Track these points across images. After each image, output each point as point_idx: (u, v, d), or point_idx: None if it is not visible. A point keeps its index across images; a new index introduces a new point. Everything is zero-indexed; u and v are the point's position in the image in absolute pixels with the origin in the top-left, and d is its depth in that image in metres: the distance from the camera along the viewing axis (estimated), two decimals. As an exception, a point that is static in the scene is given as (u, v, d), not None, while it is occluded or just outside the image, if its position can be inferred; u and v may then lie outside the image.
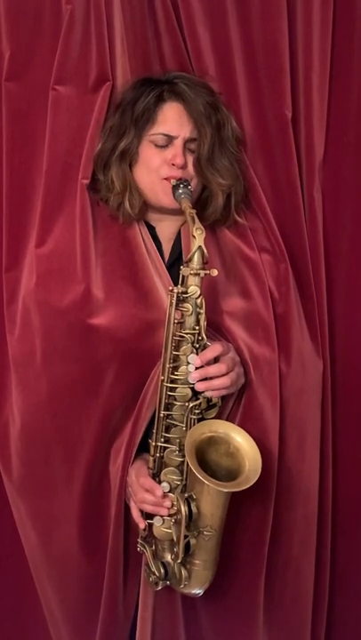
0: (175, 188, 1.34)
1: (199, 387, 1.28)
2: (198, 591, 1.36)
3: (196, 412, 1.31)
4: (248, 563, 1.48)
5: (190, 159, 1.38)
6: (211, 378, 1.29)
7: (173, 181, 1.35)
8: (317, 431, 1.55)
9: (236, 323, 1.43)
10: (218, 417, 1.35)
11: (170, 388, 1.31)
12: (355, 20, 1.50)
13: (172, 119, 1.37)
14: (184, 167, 1.37)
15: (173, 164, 1.36)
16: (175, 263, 1.47)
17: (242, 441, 1.29)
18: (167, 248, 1.49)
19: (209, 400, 1.32)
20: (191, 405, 1.30)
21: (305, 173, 1.53)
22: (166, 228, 1.48)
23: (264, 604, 1.52)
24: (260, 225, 1.49)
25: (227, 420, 1.39)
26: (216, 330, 1.42)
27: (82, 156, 1.43)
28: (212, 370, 1.29)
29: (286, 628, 1.58)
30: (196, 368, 1.29)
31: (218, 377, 1.29)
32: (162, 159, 1.37)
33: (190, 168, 1.39)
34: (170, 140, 1.37)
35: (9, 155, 1.47)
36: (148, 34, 1.46)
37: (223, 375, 1.30)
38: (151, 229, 1.47)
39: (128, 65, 1.44)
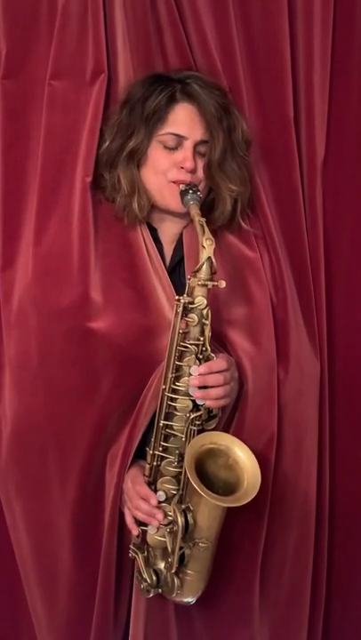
0: (184, 193, 1.31)
1: (197, 395, 1.27)
2: (191, 600, 1.36)
3: (197, 423, 1.30)
4: (242, 569, 1.48)
5: (200, 163, 1.35)
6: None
7: (182, 186, 1.32)
8: (315, 432, 1.55)
9: (238, 331, 1.42)
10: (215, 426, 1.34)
11: (171, 398, 1.29)
12: (355, 21, 1.50)
13: (184, 121, 1.33)
14: (193, 171, 1.34)
15: (182, 168, 1.33)
16: (177, 267, 1.44)
17: (242, 455, 1.28)
18: (169, 251, 1.46)
19: (210, 411, 1.31)
20: (192, 417, 1.29)
21: (306, 174, 1.53)
22: (168, 230, 1.45)
23: (260, 607, 1.53)
24: (258, 227, 1.48)
25: (222, 428, 1.38)
26: (216, 339, 1.39)
27: (78, 153, 1.39)
28: (211, 380, 1.27)
29: (283, 629, 1.59)
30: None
31: (215, 387, 1.28)
32: (171, 162, 1.34)
33: (200, 172, 1.35)
34: (180, 141, 1.33)
35: (5, 152, 1.43)
36: (150, 29, 1.42)
37: (220, 386, 1.28)
38: (153, 231, 1.44)
39: (130, 60, 1.41)
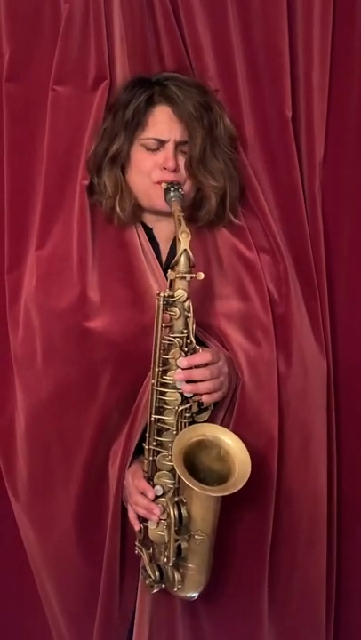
0: (166, 191, 1.34)
1: (185, 389, 1.28)
2: (193, 594, 1.36)
3: (187, 415, 1.31)
4: (249, 568, 1.47)
5: (182, 162, 1.37)
6: (195, 381, 1.28)
7: (164, 184, 1.35)
8: (324, 433, 1.53)
9: (233, 325, 1.42)
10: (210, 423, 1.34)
11: (160, 392, 1.31)
12: (355, 20, 1.49)
13: (162, 123, 1.36)
14: (176, 170, 1.36)
15: (165, 168, 1.36)
16: None
17: (232, 444, 1.28)
18: (165, 250, 1.48)
19: (200, 404, 1.32)
20: (181, 409, 1.30)
21: (306, 173, 1.52)
22: (164, 229, 1.47)
23: (271, 610, 1.51)
24: (258, 225, 1.48)
25: (222, 424, 1.37)
26: (211, 333, 1.41)
27: (81, 157, 1.43)
28: (196, 374, 1.28)
29: (294, 634, 1.56)
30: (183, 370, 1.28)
31: (201, 381, 1.28)
32: (153, 163, 1.37)
33: (183, 171, 1.38)
34: (161, 143, 1.36)
35: (10, 155, 1.48)
36: (148, 33, 1.46)
37: (206, 380, 1.29)
38: (149, 231, 1.47)
39: (127, 64, 1.44)
